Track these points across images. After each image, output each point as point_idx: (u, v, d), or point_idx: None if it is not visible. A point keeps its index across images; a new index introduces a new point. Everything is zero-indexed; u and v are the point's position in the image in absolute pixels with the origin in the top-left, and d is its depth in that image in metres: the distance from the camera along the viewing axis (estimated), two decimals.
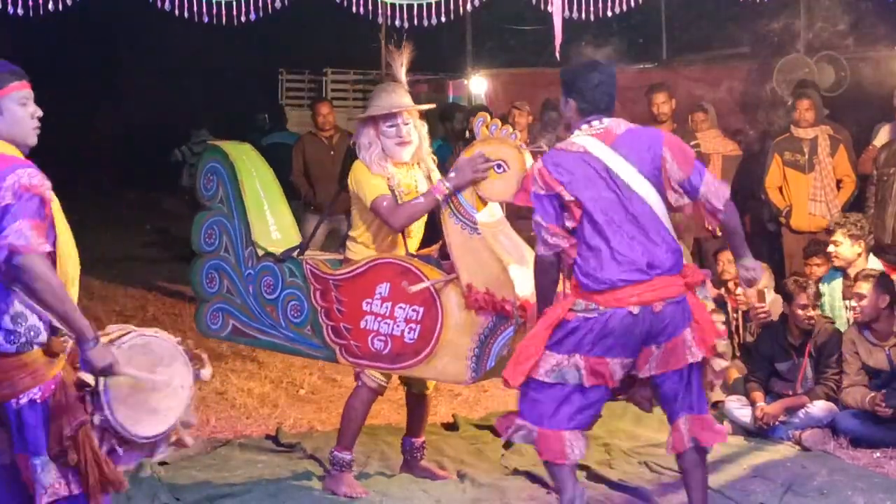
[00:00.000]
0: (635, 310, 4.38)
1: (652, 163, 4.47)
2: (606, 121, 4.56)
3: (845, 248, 6.89)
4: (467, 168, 5.03)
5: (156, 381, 3.96)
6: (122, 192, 18.35)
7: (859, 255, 6.90)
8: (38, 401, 3.67)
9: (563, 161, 4.49)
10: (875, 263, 6.90)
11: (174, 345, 4.08)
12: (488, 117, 5.12)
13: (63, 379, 3.74)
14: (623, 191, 4.43)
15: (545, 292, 4.60)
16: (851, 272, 6.88)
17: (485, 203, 5.11)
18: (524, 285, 4.99)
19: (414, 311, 5.11)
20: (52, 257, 3.70)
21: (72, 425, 3.70)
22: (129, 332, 3.97)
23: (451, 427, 6.55)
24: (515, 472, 5.68)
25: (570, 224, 4.45)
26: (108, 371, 3.73)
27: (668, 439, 4.61)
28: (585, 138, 4.52)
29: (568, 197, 4.43)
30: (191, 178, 12.18)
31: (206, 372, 4.19)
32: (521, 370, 4.50)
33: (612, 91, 4.62)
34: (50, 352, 3.73)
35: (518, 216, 7.24)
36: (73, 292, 3.80)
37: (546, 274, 4.57)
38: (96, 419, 3.82)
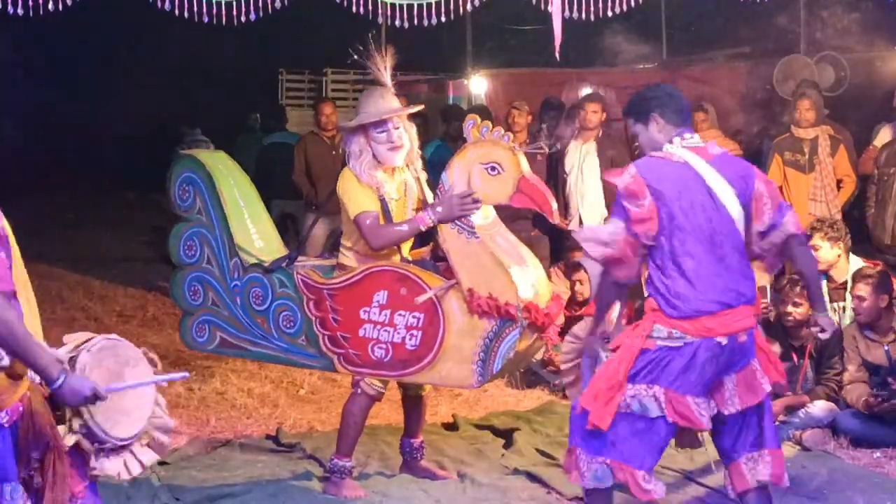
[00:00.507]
0: (724, 341, 4.12)
1: (745, 191, 4.24)
2: (697, 136, 4.35)
3: (825, 251, 6.88)
4: (455, 205, 5.03)
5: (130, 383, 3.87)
6: (122, 192, 18.36)
7: (839, 256, 6.91)
8: (6, 425, 3.50)
9: (660, 170, 4.21)
10: (857, 263, 6.90)
11: (136, 349, 3.99)
12: (478, 119, 5.11)
13: (30, 399, 3.59)
14: (721, 211, 4.19)
15: (604, 307, 4.38)
16: (834, 274, 6.89)
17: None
18: (525, 287, 4.99)
19: (414, 317, 5.09)
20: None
21: (39, 448, 3.56)
22: (94, 337, 3.93)
23: (451, 427, 6.55)
24: (515, 471, 5.68)
25: (652, 240, 4.16)
26: (91, 400, 3.59)
27: (725, 475, 4.38)
28: (683, 151, 4.26)
29: (656, 208, 4.13)
30: None
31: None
32: (607, 411, 4.14)
33: (687, 104, 4.43)
34: (13, 374, 3.56)
35: (517, 216, 7.26)
36: (34, 322, 3.69)
37: (613, 293, 4.33)
38: (76, 424, 3.70)
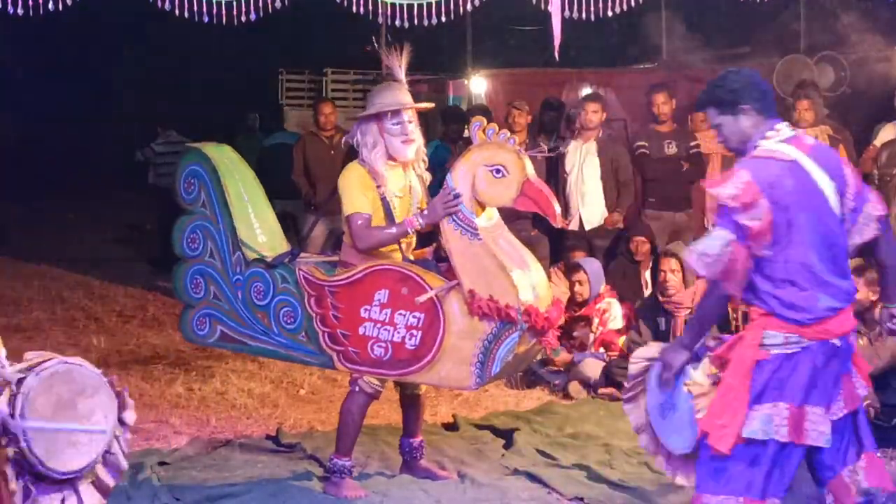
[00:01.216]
0: (838, 342, 3.87)
1: (842, 183, 3.97)
2: (786, 125, 4.03)
3: None
4: (438, 205, 5.07)
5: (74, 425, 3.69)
6: (122, 192, 18.36)
7: None
8: None
9: (772, 173, 3.87)
10: None
11: (99, 376, 3.87)
12: (485, 122, 5.11)
13: None
14: (828, 209, 3.91)
15: (707, 323, 4.10)
16: None
17: (483, 208, 5.11)
18: (527, 290, 4.99)
19: (415, 317, 5.09)
20: None
21: None
22: (50, 359, 3.76)
23: (452, 427, 6.55)
24: (515, 472, 5.68)
25: (765, 251, 3.87)
26: None
27: (826, 497, 4.05)
28: (783, 146, 3.94)
29: (772, 216, 3.84)
30: (157, 178, 12.30)
31: (130, 415, 3.94)
32: (729, 432, 3.84)
33: (773, 91, 4.11)
34: None
35: (517, 216, 7.26)
36: None
37: (718, 301, 4.00)
38: (10, 451, 3.56)
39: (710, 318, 4.12)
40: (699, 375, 4.07)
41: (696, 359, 4.11)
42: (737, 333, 4.06)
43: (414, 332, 5.09)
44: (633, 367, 4.43)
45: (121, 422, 3.94)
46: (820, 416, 3.87)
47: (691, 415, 4.05)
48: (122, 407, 3.92)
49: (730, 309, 7.05)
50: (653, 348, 4.45)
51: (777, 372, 3.85)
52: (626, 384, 4.48)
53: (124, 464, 3.95)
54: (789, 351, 3.85)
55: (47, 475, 3.65)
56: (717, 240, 3.87)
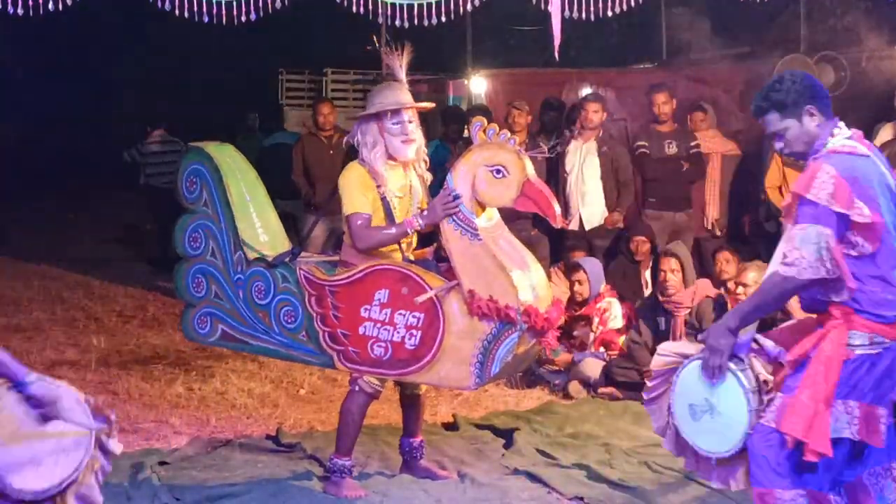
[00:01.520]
0: None
1: None
2: (843, 124, 3.98)
3: None
4: (438, 206, 5.07)
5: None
6: (122, 193, 18.36)
7: None
8: None
9: (856, 168, 3.81)
10: None
11: (77, 400, 3.74)
12: (485, 122, 5.12)
13: None
14: None
15: (762, 313, 4.00)
16: None
17: (483, 208, 5.11)
18: (526, 290, 4.99)
19: (415, 317, 5.09)
20: None
21: None
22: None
23: (452, 427, 6.55)
24: (515, 471, 5.68)
25: (860, 249, 3.81)
26: None
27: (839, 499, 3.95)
28: (851, 142, 3.90)
29: (865, 216, 3.76)
30: (147, 178, 12.33)
31: (115, 445, 3.81)
32: (825, 433, 3.76)
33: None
34: None
35: (517, 216, 7.26)
36: None
37: (783, 297, 3.92)
38: None
39: (768, 309, 4.04)
40: (764, 372, 3.98)
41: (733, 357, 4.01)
42: (813, 331, 3.94)
43: (414, 331, 5.10)
44: (659, 359, 4.29)
45: (104, 451, 3.81)
46: (885, 416, 3.84)
47: (749, 416, 3.95)
48: (108, 433, 3.79)
49: (730, 309, 7.05)
50: (685, 346, 4.34)
51: (856, 371, 3.82)
52: (648, 382, 4.35)
53: (98, 496, 3.77)
54: (874, 352, 3.82)
55: (4, 492, 3.51)
56: (811, 240, 3.77)
